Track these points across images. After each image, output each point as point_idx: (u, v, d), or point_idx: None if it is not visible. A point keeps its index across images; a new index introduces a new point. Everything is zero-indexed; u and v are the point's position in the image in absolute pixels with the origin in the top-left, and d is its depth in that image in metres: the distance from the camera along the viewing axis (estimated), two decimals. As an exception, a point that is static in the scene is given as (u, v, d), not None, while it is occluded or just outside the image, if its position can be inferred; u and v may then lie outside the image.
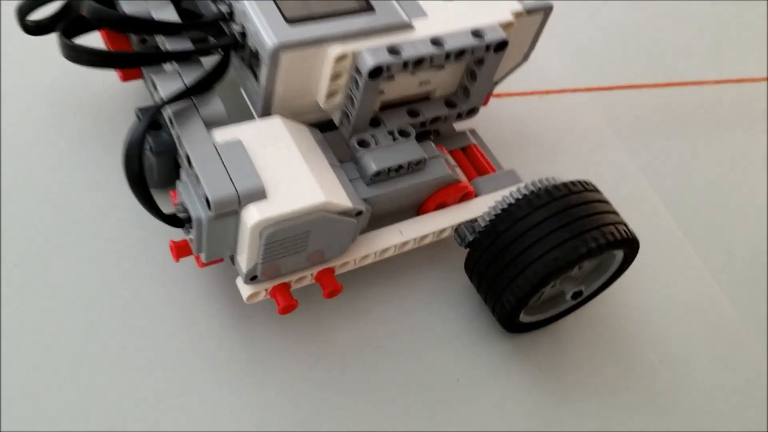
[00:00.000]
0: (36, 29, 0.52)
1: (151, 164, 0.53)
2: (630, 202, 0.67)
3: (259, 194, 0.41)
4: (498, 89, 0.61)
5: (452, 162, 0.55)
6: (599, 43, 0.83)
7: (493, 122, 0.68)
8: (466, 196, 0.54)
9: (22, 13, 0.52)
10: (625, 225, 0.50)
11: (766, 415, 0.57)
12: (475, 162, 0.58)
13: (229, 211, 0.41)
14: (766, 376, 0.59)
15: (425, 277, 0.57)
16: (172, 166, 0.51)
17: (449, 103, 0.53)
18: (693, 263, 0.65)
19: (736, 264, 0.66)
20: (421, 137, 0.54)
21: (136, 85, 0.60)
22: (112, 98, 0.61)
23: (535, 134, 0.70)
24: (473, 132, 0.61)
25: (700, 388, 0.57)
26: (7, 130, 0.58)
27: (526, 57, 0.56)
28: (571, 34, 0.83)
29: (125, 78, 0.53)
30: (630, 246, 0.50)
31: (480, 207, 0.53)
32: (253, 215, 0.40)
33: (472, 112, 0.54)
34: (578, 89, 0.72)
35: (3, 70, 0.61)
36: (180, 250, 0.45)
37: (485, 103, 0.60)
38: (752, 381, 0.59)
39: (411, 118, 0.51)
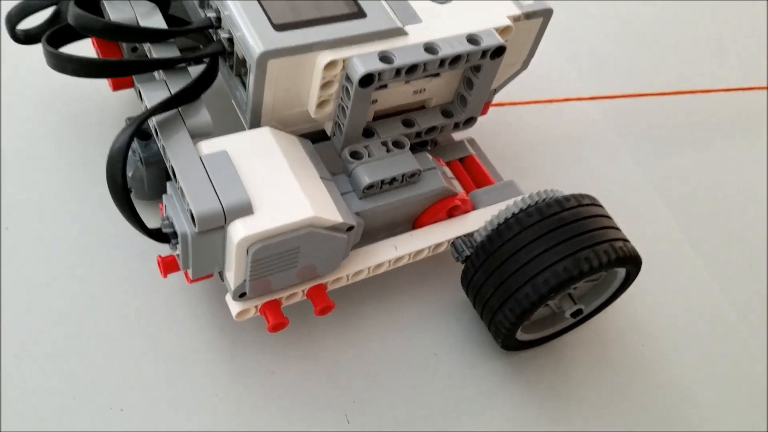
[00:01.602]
0: (26, 38, 0.51)
1: (141, 175, 0.52)
2: (636, 212, 0.65)
3: (245, 209, 0.39)
4: (498, 98, 0.59)
5: (449, 174, 0.53)
6: (602, 51, 0.82)
7: (493, 132, 0.66)
8: (463, 209, 0.52)
9: (11, 21, 0.50)
10: (627, 241, 0.48)
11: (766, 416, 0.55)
12: (474, 173, 0.56)
13: (214, 227, 0.39)
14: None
15: (421, 291, 0.55)
16: (163, 177, 0.50)
17: (446, 113, 0.51)
18: (699, 277, 0.63)
19: (742, 276, 0.64)
20: (417, 148, 0.52)
21: (128, 93, 0.58)
22: (103, 107, 0.60)
23: (537, 144, 0.69)
24: (472, 142, 0.59)
25: (704, 408, 0.55)
26: None
27: (525, 64, 0.54)
28: (573, 42, 0.81)
29: (115, 87, 0.52)
30: (632, 263, 0.48)
31: (478, 220, 0.52)
32: (239, 231, 0.39)
33: (470, 121, 0.52)
34: (581, 98, 0.70)
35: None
36: (167, 266, 0.44)
37: (484, 112, 0.58)
38: (758, 398, 0.57)
39: (406, 128, 0.50)
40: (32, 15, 0.51)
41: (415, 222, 0.52)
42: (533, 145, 0.68)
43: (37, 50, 0.47)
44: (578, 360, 0.55)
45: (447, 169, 0.53)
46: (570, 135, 0.70)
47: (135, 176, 0.52)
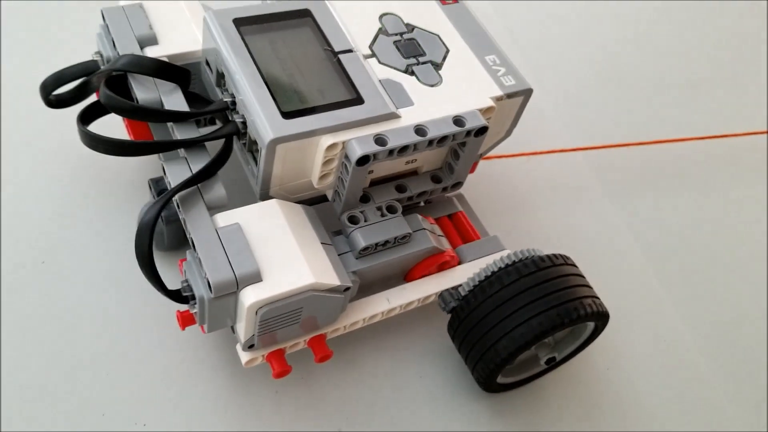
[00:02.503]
0: (57, 103, 0.57)
1: (162, 230, 0.58)
2: (615, 259, 0.71)
3: (255, 277, 0.45)
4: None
5: (438, 232, 0.59)
6: (586, 99, 0.87)
7: (481, 184, 0.72)
8: (449, 264, 0.57)
9: (46, 89, 0.57)
10: (596, 298, 0.54)
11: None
12: (461, 229, 0.62)
13: (228, 293, 0.45)
14: None
15: (411, 336, 0.61)
16: (181, 234, 0.56)
17: (435, 178, 0.57)
18: (672, 323, 0.69)
19: (715, 323, 0.70)
20: (409, 207, 0.58)
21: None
22: (127, 164, 0.66)
23: (522, 194, 0.74)
24: (461, 197, 0.65)
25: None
26: (17, 189, 0.62)
27: (509, 132, 0.60)
28: (556, 89, 0.87)
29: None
30: (600, 319, 0.54)
31: (463, 274, 0.57)
32: (249, 297, 0.45)
33: (457, 185, 0.58)
34: (564, 150, 0.75)
35: (19, 128, 0.66)
36: (185, 320, 0.50)
37: (472, 171, 0.64)
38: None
39: (399, 193, 0.55)
40: (65, 84, 0.57)
41: (406, 275, 0.57)
42: (520, 196, 0.74)
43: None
44: (553, 399, 0.60)
45: (436, 227, 0.59)
46: (552, 185, 0.76)
47: (157, 231, 0.58)
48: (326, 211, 0.55)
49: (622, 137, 0.81)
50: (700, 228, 0.77)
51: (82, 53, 0.62)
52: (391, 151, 0.49)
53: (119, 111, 0.50)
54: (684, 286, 0.72)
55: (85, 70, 0.57)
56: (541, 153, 0.75)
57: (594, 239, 0.73)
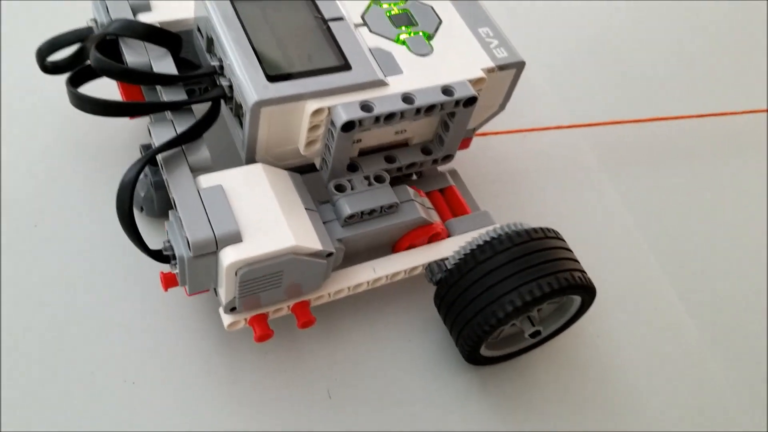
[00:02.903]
0: (54, 69, 0.57)
1: (152, 196, 0.58)
2: (612, 236, 0.71)
3: (234, 238, 0.45)
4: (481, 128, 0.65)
5: (428, 204, 0.59)
6: (581, 79, 0.87)
7: (476, 161, 0.72)
8: (437, 237, 0.57)
9: (41, 54, 0.57)
10: (582, 272, 0.53)
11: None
12: (452, 203, 0.61)
13: (208, 252, 0.45)
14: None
15: (397, 307, 0.61)
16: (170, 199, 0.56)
17: (425, 150, 0.57)
18: (669, 300, 0.68)
19: (710, 298, 0.69)
20: (400, 180, 0.58)
21: (144, 120, 0.65)
22: (120, 131, 0.66)
23: (519, 172, 0.74)
24: (454, 173, 0.65)
25: (666, 423, 0.60)
26: (11, 154, 0.63)
27: (502, 107, 0.60)
28: (554, 66, 0.87)
29: (132, 117, 0.58)
30: (586, 292, 0.54)
31: (451, 247, 0.57)
32: (228, 256, 0.45)
33: (447, 158, 0.58)
34: (561, 126, 0.75)
35: (14, 95, 0.67)
36: (168, 281, 0.50)
37: (467, 146, 0.64)
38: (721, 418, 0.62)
39: (388, 164, 0.55)
40: (60, 50, 0.58)
41: (394, 247, 0.57)
42: (515, 173, 0.74)
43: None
44: (540, 374, 0.60)
45: (426, 200, 0.59)
46: (548, 162, 0.76)
47: (146, 196, 0.59)
48: (316, 182, 0.55)
49: (621, 114, 0.80)
50: (697, 205, 0.77)
51: (79, 20, 0.63)
52: (377, 119, 0.49)
53: (108, 73, 0.50)
54: (678, 262, 0.72)
55: (80, 36, 0.57)
56: (537, 129, 0.75)
57: (589, 215, 0.72)
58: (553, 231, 0.55)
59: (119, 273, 0.58)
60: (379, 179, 0.54)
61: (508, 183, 0.72)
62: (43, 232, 0.60)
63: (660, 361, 0.64)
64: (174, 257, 0.47)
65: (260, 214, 0.47)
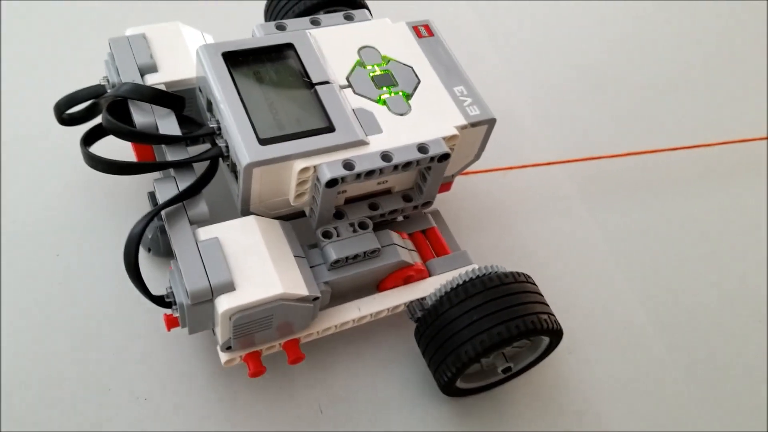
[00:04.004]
0: (70, 121, 0.63)
1: (158, 238, 0.64)
2: (592, 270, 0.76)
3: (228, 287, 0.51)
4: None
5: (410, 246, 0.64)
6: (569, 113, 0.92)
7: (458, 200, 0.77)
8: (418, 277, 0.63)
9: (59, 109, 0.63)
10: (550, 314, 0.59)
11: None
12: (434, 244, 0.67)
13: (204, 300, 0.51)
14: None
15: (381, 341, 0.66)
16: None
17: (406, 197, 0.62)
18: (647, 334, 0.72)
19: (690, 335, 0.73)
20: (385, 223, 0.63)
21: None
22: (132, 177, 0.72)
23: (500, 208, 0.79)
24: (436, 213, 0.70)
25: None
26: (20, 191, 0.70)
27: (477, 156, 0.65)
28: (535, 101, 0.91)
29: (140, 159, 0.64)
30: (554, 334, 0.59)
31: (431, 286, 0.62)
32: (222, 304, 0.50)
33: (427, 204, 0.63)
34: (539, 164, 0.80)
35: (27, 138, 0.73)
36: (171, 323, 0.56)
37: (449, 189, 0.69)
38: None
39: (371, 211, 0.61)
40: (76, 105, 0.64)
41: (378, 286, 0.63)
42: (496, 210, 0.79)
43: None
44: (518, 403, 0.65)
45: (408, 242, 0.64)
46: (527, 199, 0.80)
47: (153, 238, 0.64)
48: (307, 225, 0.60)
49: (605, 149, 0.84)
50: (677, 238, 0.81)
51: (93, 76, 0.69)
52: (358, 175, 0.54)
53: (118, 134, 0.56)
54: (651, 284, 0.76)
55: (94, 93, 0.63)
56: (516, 167, 0.80)
57: (567, 249, 0.77)
58: (524, 275, 0.60)
59: (132, 306, 0.64)
60: (363, 226, 0.59)
61: (488, 220, 0.77)
62: (62, 262, 0.66)
63: (638, 394, 0.68)
64: (175, 303, 0.52)
65: (252, 263, 0.53)
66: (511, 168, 0.80)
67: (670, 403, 0.68)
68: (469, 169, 0.73)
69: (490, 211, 0.79)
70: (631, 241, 0.80)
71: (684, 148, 0.86)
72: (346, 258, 0.58)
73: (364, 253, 0.58)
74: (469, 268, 0.64)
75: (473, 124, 0.60)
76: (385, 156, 0.55)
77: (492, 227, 0.78)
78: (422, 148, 0.56)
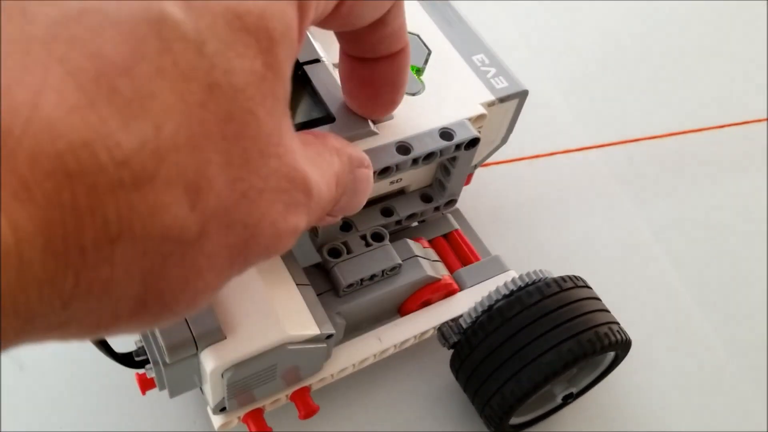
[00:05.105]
0: None
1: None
2: (635, 262, 0.64)
3: (216, 336, 0.39)
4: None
5: (433, 256, 0.52)
6: (589, 95, 0.80)
7: (480, 195, 0.65)
8: (447, 293, 0.51)
9: None
10: (617, 324, 0.47)
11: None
12: (459, 250, 0.55)
13: (186, 356, 0.38)
14: None
15: (409, 373, 0.55)
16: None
17: (425, 197, 0.51)
18: (704, 336, 0.62)
19: (744, 330, 0.63)
20: (398, 233, 0.52)
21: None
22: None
23: (528, 203, 0.67)
24: (457, 213, 0.58)
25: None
26: None
27: (504, 140, 0.53)
28: (559, 86, 0.80)
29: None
30: (621, 347, 0.47)
31: (464, 303, 0.51)
32: (210, 360, 0.38)
33: (450, 203, 0.52)
34: (569, 150, 0.69)
35: None
36: (145, 384, 0.43)
37: (467, 182, 0.58)
38: None
39: (385, 217, 0.49)
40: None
41: (400, 308, 0.51)
42: (525, 205, 0.67)
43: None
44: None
45: (431, 251, 0.52)
46: (561, 190, 0.69)
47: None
48: (306, 241, 0.48)
49: (644, 130, 0.73)
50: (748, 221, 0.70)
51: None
52: (369, 175, 0.42)
53: None
54: (714, 294, 0.64)
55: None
56: (542, 156, 0.68)
57: (611, 246, 0.66)
58: (575, 279, 0.49)
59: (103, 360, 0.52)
60: (377, 237, 0.48)
61: (516, 217, 0.66)
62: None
63: (702, 403, 0.57)
64: (149, 361, 0.40)
65: (245, 301, 0.40)
66: (536, 156, 0.68)
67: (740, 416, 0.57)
68: (489, 160, 0.62)
69: (515, 207, 0.67)
70: (682, 232, 0.68)
71: (734, 124, 0.75)
72: (361, 280, 0.46)
73: (383, 271, 0.46)
74: (508, 276, 0.52)
75: (501, 99, 0.48)
76: (402, 147, 0.44)
77: (518, 226, 0.66)
78: (445, 133, 0.45)
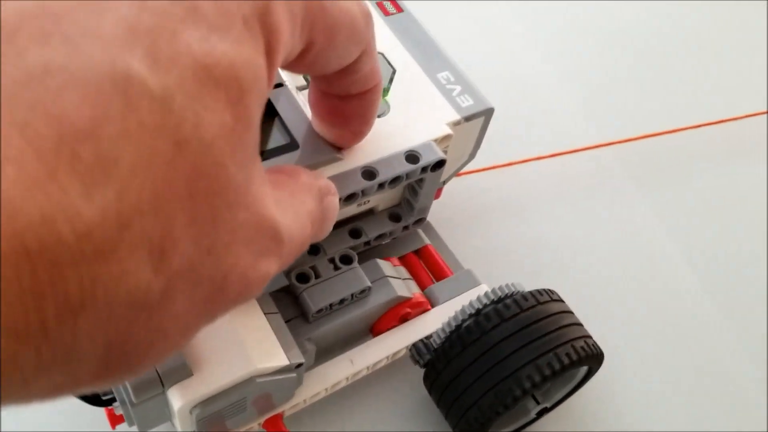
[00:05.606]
0: None
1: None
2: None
3: (182, 373, 0.38)
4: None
5: (404, 275, 0.52)
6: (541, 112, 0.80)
7: (449, 206, 0.65)
8: (419, 312, 0.51)
9: None
10: (588, 338, 0.48)
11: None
12: (431, 266, 0.55)
13: (153, 395, 0.38)
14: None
15: (386, 393, 0.55)
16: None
17: (394, 217, 0.50)
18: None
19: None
20: (368, 252, 0.51)
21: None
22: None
23: (499, 211, 0.67)
24: (428, 227, 0.58)
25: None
26: None
27: (472, 156, 0.53)
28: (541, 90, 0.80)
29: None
30: (594, 361, 0.48)
31: (437, 319, 0.51)
32: (177, 398, 0.38)
33: (420, 222, 0.51)
34: (541, 157, 0.69)
35: None
36: (115, 419, 0.43)
37: (437, 197, 0.57)
38: None
39: (353, 239, 0.49)
40: None
41: (372, 328, 0.51)
42: (495, 213, 0.67)
43: None
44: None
45: (402, 269, 0.52)
46: (524, 196, 0.69)
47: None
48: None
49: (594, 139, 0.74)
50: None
51: None
52: (335, 201, 0.42)
53: None
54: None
55: None
56: (515, 164, 0.68)
57: (583, 250, 0.66)
58: (555, 293, 0.49)
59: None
60: (345, 260, 0.47)
61: (487, 226, 0.66)
62: None
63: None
64: (115, 400, 0.39)
65: (212, 335, 0.40)
66: (509, 164, 0.68)
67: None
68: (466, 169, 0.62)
69: (483, 216, 0.67)
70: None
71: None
72: (330, 305, 0.45)
73: (352, 295, 0.46)
74: (480, 290, 0.52)
75: (467, 118, 0.48)
76: (367, 172, 0.43)
77: (489, 236, 0.66)
78: (411, 156, 0.44)
